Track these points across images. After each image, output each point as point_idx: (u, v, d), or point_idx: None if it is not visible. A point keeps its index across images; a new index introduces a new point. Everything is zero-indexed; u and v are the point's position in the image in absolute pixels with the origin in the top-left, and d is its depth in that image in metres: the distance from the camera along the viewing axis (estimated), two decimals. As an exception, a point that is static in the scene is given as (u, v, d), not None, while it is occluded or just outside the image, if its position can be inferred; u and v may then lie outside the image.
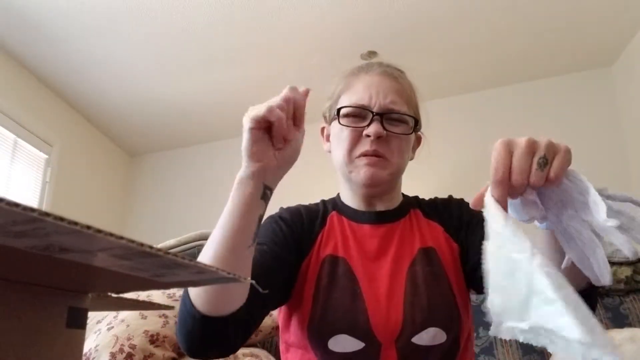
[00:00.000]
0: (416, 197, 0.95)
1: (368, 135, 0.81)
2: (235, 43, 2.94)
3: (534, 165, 0.49)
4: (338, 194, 0.95)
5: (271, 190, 0.66)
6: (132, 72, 3.19)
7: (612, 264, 1.64)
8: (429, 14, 2.73)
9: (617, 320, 1.56)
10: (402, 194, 0.94)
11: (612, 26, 2.82)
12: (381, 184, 0.84)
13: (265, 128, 0.64)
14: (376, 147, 0.81)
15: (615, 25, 2.81)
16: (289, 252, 0.80)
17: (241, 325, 0.67)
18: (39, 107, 3.22)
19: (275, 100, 0.62)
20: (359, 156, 0.82)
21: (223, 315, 0.64)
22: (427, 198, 0.96)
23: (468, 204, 0.89)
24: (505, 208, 0.49)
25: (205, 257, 0.63)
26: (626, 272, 1.61)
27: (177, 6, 2.65)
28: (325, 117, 0.94)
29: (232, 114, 3.66)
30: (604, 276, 0.48)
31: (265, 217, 0.86)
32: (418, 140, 0.92)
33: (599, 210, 0.46)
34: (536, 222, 0.54)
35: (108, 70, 3.16)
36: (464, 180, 3.28)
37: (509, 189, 0.49)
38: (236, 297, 0.65)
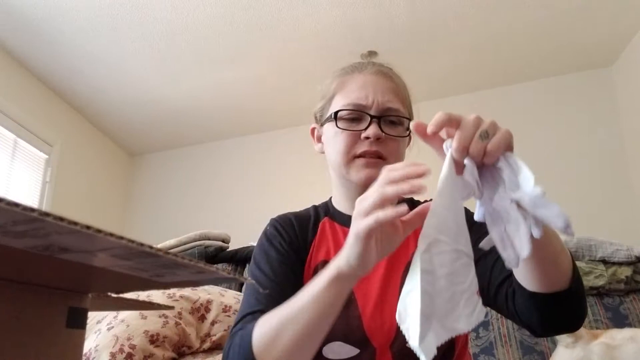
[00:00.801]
0: (411, 199, 0.94)
1: (367, 137, 0.80)
2: (235, 43, 2.94)
3: (476, 136, 0.53)
4: (330, 198, 0.93)
5: None
6: (132, 72, 3.19)
7: (612, 263, 1.64)
8: (429, 14, 2.73)
9: (617, 320, 1.56)
10: None
11: (612, 26, 2.82)
12: None
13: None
14: (375, 147, 0.80)
15: (615, 26, 2.81)
16: (296, 263, 0.81)
17: None
18: (39, 107, 3.22)
19: (377, 192, 0.54)
20: (358, 156, 0.82)
21: None
22: (422, 200, 0.96)
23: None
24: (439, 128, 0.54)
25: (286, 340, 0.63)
26: (626, 272, 1.62)
27: (177, 6, 2.65)
28: (316, 118, 0.92)
29: (232, 114, 3.66)
30: (523, 250, 0.49)
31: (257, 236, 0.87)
32: (410, 138, 0.91)
33: (529, 181, 0.49)
34: (475, 213, 0.57)
35: (108, 70, 3.16)
36: (464, 180, 3.29)
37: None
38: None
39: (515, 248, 0.51)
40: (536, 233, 0.49)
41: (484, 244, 0.55)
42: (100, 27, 2.79)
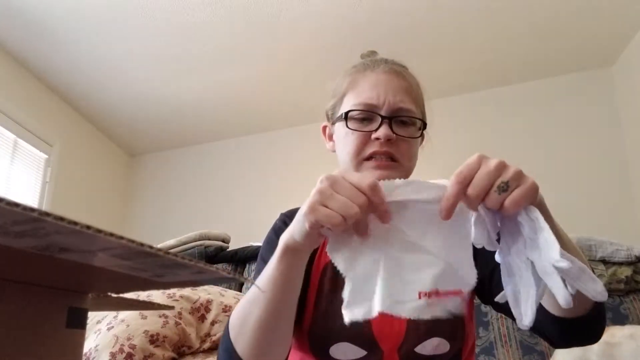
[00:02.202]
0: None
1: (377, 138, 0.78)
2: (235, 43, 2.94)
3: (494, 187, 0.49)
4: None
5: None
6: (132, 72, 3.19)
7: (612, 263, 1.64)
8: (429, 14, 2.73)
9: (617, 320, 1.56)
10: None
11: (612, 26, 2.82)
12: None
13: None
14: (387, 148, 0.78)
15: (616, 26, 2.81)
16: None
17: None
18: (39, 107, 3.22)
19: (344, 197, 0.51)
20: (368, 158, 0.79)
21: None
22: None
23: None
24: (451, 207, 0.50)
25: (251, 321, 0.63)
26: (626, 272, 1.61)
27: (177, 6, 2.65)
28: (328, 116, 0.91)
29: (232, 114, 3.66)
30: (525, 318, 0.48)
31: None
32: (422, 138, 0.89)
33: (552, 248, 0.46)
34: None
35: (108, 70, 3.16)
36: (464, 180, 3.28)
37: (463, 198, 0.50)
38: (283, 348, 0.66)
39: (520, 310, 0.50)
40: (564, 300, 0.45)
41: (499, 298, 0.54)
42: (100, 27, 2.79)
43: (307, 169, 3.41)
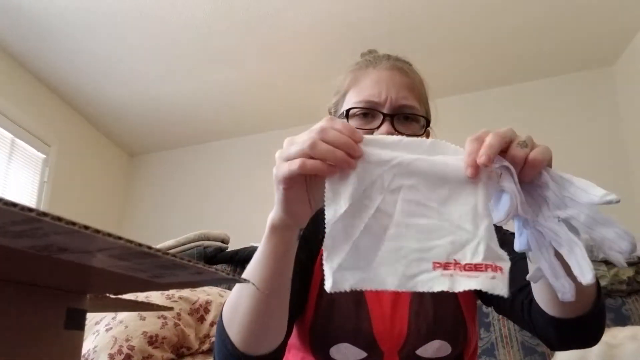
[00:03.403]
0: None
1: None
2: (235, 43, 2.94)
3: (514, 143, 0.47)
4: None
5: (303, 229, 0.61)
6: (131, 72, 3.18)
7: (614, 264, 1.64)
8: (429, 13, 2.73)
9: (619, 321, 1.56)
10: None
11: (614, 25, 2.82)
12: None
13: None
14: None
15: (617, 25, 2.81)
16: (304, 253, 0.76)
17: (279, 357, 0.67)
18: (37, 107, 3.21)
19: (310, 140, 0.49)
20: None
21: (266, 354, 0.63)
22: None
23: None
24: (475, 164, 0.46)
25: (244, 305, 0.60)
26: (628, 272, 1.61)
27: (176, 6, 2.65)
28: (330, 113, 0.90)
29: (233, 114, 3.66)
30: (585, 275, 0.42)
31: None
32: (427, 136, 0.87)
33: (591, 188, 0.42)
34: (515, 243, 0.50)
35: (107, 70, 3.15)
36: (464, 180, 3.28)
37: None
38: (276, 334, 0.64)
39: (574, 274, 0.43)
40: (588, 275, 0.41)
41: (532, 277, 0.50)
42: (99, 27, 2.78)
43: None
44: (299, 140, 0.50)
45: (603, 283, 1.60)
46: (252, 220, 3.35)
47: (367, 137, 0.50)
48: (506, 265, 0.44)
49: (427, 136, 0.86)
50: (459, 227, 0.46)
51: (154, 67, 3.14)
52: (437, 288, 0.43)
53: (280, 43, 2.95)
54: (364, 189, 0.48)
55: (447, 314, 0.75)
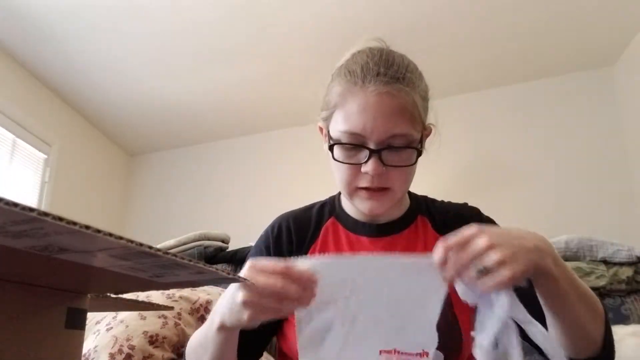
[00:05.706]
0: (425, 198, 0.90)
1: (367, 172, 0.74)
2: (235, 43, 2.94)
3: (472, 268, 0.53)
4: (339, 193, 0.89)
5: None
6: (132, 72, 3.18)
7: (613, 264, 1.64)
8: (429, 13, 2.73)
9: (618, 320, 1.56)
10: (411, 193, 0.89)
11: (613, 25, 2.81)
12: (385, 213, 0.80)
13: None
14: (377, 183, 0.74)
15: (617, 25, 2.81)
16: None
17: None
18: (38, 107, 3.21)
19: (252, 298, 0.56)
20: (360, 189, 0.76)
21: None
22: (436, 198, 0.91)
23: (486, 218, 0.85)
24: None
25: None
26: (627, 272, 1.61)
27: (176, 6, 2.65)
28: (321, 130, 0.85)
29: (232, 114, 3.66)
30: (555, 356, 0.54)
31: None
32: (428, 132, 0.84)
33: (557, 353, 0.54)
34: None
35: (108, 70, 3.15)
36: (463, 180, 3.28)
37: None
38: None
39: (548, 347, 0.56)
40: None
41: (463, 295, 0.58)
42: (99, 27, 2.79)
43: (308, 169, 3.41)
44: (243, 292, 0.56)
45: (602, 283, 1.60)
46: (252, 220, 3.35)
47: (317, 263, 0.59)
48: (432, 349, 0.58)
49: (420, 153, 0.81)
50: (396, 318, 0.58)
51: (155, 68, 3.14)
52: None
53: (280, 44, 2.95)
54: (326, 301, 0.60)
55: (440, 323, 0.74)
